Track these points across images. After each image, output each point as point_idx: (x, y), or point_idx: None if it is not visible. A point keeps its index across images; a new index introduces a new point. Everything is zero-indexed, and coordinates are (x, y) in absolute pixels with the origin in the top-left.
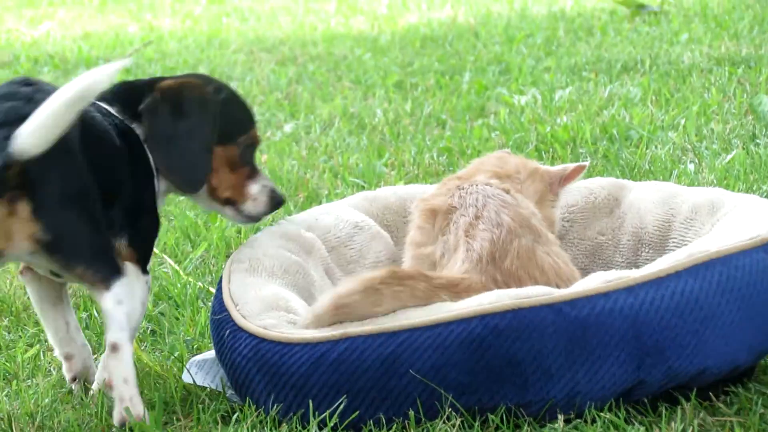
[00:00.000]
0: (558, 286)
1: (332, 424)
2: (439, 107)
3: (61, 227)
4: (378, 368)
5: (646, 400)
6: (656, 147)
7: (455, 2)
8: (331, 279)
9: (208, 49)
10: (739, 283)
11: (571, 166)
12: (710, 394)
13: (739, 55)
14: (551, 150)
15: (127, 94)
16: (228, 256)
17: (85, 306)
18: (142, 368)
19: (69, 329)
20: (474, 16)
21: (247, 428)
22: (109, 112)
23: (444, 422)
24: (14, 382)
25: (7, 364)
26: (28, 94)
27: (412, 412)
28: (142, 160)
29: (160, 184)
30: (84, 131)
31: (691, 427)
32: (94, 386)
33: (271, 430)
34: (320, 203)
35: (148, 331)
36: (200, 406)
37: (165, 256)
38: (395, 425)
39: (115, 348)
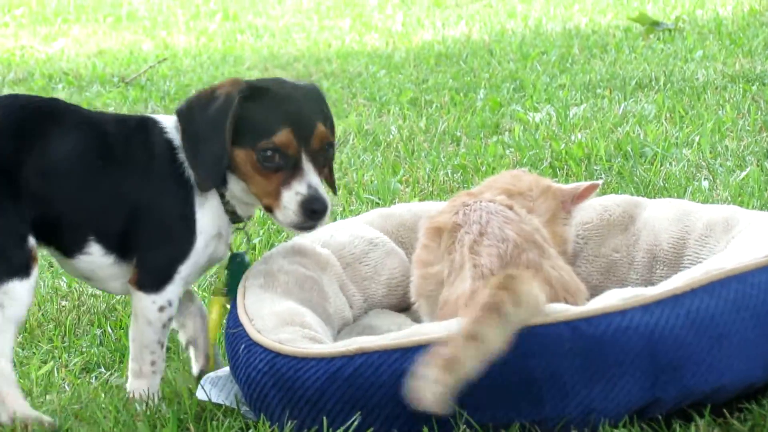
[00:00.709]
0: (566, 300)
1: None
2: (454, 124)
3: None
4: (393, 384)
5: (660, 417)
6: (670, 164)
7: (470, 19)
8: (346, 295)
9: (223, 66)
10: (755, 301)
11: (583, 184)
12: (724, 410)
13: (754, 73)
14: (566, 167)
15: None
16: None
17: (99, 323)
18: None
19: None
20: (488, 34)
21: None
22: (156, 125)
23: None
24: (28, 399)
25: (21, 380)
26: None
27: (426, 429)
28: (161, 176)
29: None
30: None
31: None
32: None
33: None
34: (335, 220)
35: None
36: (214, 423)
37: None
38: None
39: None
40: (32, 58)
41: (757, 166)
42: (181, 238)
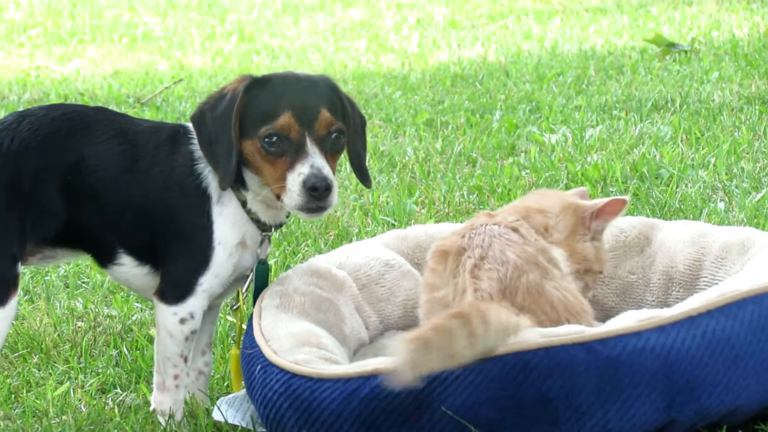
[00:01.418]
0: (568, 321)
1: None
2: (470, 145)
3: None
4: (410, 405)
5: None
6: (686, 185)
7: (486, 40)
8: (362, 316)
9: None
10: None
11: (605, 200)
12: None
13: None
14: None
15: None
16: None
17: (115, 343)
18: None
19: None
20: (504, 55)
21: None
22: (180, 136)
23: None
24: (44, 419)
25: (37, 401)
26: None
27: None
28: (179, 187)
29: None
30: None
31: None
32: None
33: None
34: (350, 241)
35: None
36: None
37: None
38: None
39: None
40: (47, 79)
41: None
42: (199, 249)
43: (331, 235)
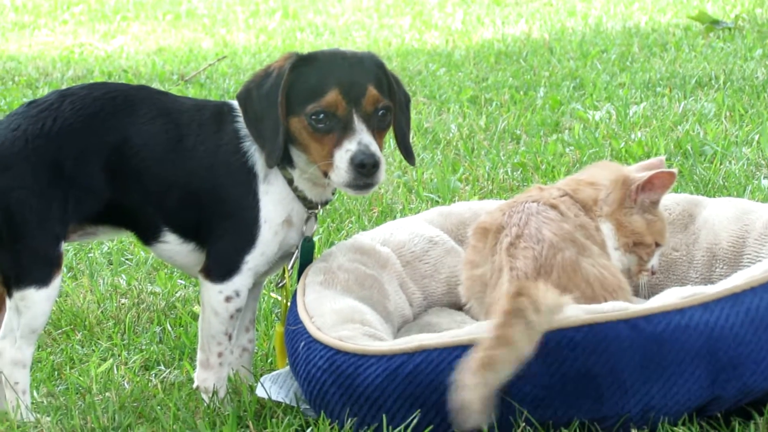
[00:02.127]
0: (604, 298)
1: None
2: (514, 122)
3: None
4: (453, 381)
5: (719, 415)
6: (730, 162)
7: (530, 18)
8: (406, 293)
9: None
10: None
11: (651, 172)
12: None
13: None
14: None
15: None
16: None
17: (159, 320)
18: None
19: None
20: (548, 32)
21: None
22: (231, 113)
23: None
24: (87, 396)
25: (81, 378)
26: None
27: (485, 429)
28: (225, 165)
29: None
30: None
31: None
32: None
33: None
34: (395, 218)
35: None
36: (273, 420)
37: None
38: None
39: None
40: (91, 56)
41: None
42: (245, 227)
43: (375, 212)
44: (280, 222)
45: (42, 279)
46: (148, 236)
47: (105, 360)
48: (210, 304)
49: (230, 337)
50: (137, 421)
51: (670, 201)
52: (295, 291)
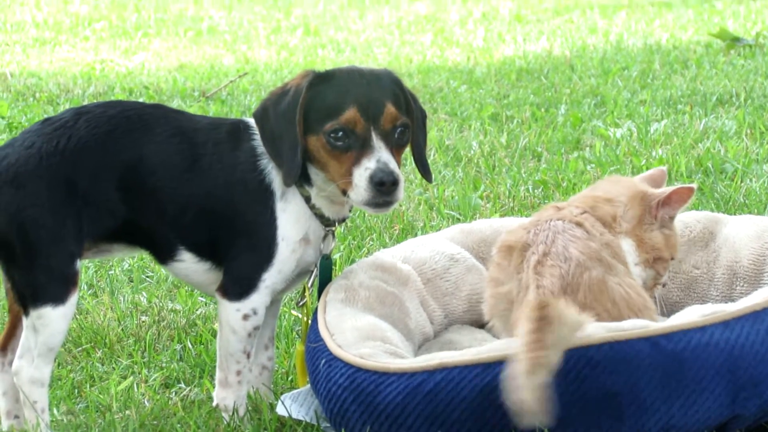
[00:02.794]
0: (629, 318)
1: None
2: (535, 140)
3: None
4: (474, 399)
5: None
6: (751, 180)
7: (551, 35)
8: (426, 311)
9: None
10: None
11: (671, 188)
12: None
13: None
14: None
15: None
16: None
17: (179, 338)
18: None
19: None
20: (570, 49)
21: None
22: (248, 131)
23: None
24: (107, 414)
25: (101, 396)
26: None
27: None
28: (243, 184)
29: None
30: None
31: None
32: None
33: None
34: (415, 235)
35: None
36: None
37: None
38: None
39: None
40: (112, 72)
41: None
42: (263, 245)
43: (396, 230)
44: (298, 240)
45: (58, 297)
46: (164, 255)
47: (125, 378)
48: (228, 322)
49: (249, 355)
50: None
51: (691, 219)
52: (316, 309)
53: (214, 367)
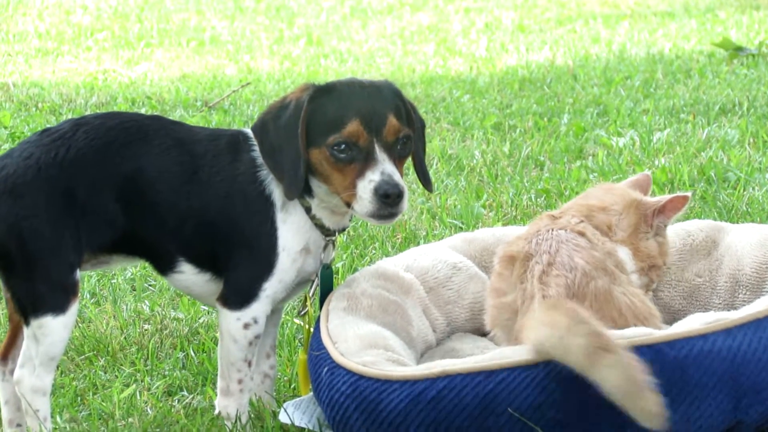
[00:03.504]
0: (636, 326)
1: None
2: (538, 149)
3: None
4: (476, 406)
5: None
6: (753, 189)
7: (554, 44)
8: (429, 319)
9: None
10: None
11: (667, 197)
12: None
13: None
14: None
15: None
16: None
17: (182, 346)
18: None
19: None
20: (572, 59)
21: None
22: (247, 142)
23: None
24: (110, 422)
25: (104, 404)
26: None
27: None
28: (243, 194)
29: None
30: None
31: None
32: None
33: None
34: (418, 244)
35: None
36: None
37: None
38: None
39: None
40: (115, 82)
41: None
42: (263, 255)
43: (398, 238)
44: (298, 250)
45: (58, 306)
46: (164, 266)
47: (128, 386)
48: (228, 331)
49: (250, 364)
50: None
51: (694, 227)
52: (319, 317)
53: (217, 375)
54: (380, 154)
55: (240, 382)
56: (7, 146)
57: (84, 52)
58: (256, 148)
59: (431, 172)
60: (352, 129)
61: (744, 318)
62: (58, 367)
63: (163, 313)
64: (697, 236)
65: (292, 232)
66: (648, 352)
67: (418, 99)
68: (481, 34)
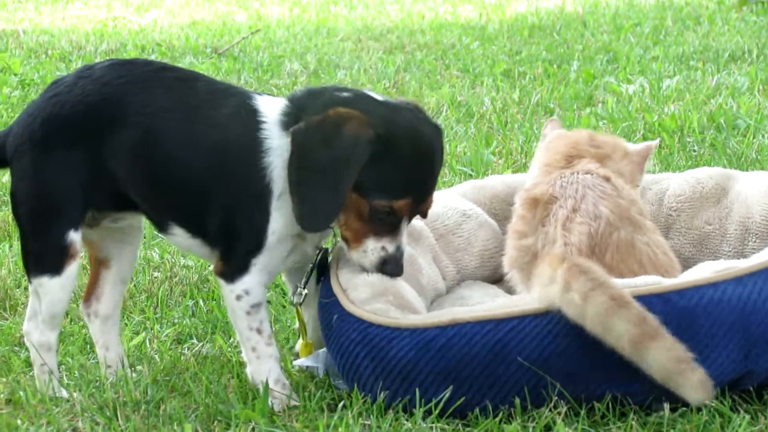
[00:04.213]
0: None
1: (438, 412)
2: (547, 96)
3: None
4: (486, 354)
5: (752, 389)
6: (763, 136)
7: None
8: (439, 267)
9: (316, 38)
10: None
11: (652, 143)
12: None
13: None
14: (659, 139)
15: (304, 103)
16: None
17: (192, 294)
18: None
19: None
20: (582, 5)
21: (353, 416)
22: (254, 117)
23: (550, 410)
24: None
25: None
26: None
27: (517, 400)
28: (241, 176)
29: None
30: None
31: None
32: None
33: (377, 417)
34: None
35: None
36: (306, 393)
37: None
38: (501, 413)
39: None
40: (125, 29)
41: None
42: (253, 234)
43: None
44: (288, 234)
45: (54, 268)
46: (160, 226)
47: (137, 333)
48: (227, 303)
49: (259, 331)
50: (169, 395)
51: (703, 175)
52: (329, 265)
53: (227, 322)
54: (404, 224)
55: (254, 350)
56: (17, 93)
57: None
58: (266, 126)
59: (441, 119)
60: (402, 204)
61: (754, 266)
62: (67, 315)
63: (173, 260)
64: (707, 184)
65: (284, 220)
66: (657, 301)
67: (427, 46)
68: None
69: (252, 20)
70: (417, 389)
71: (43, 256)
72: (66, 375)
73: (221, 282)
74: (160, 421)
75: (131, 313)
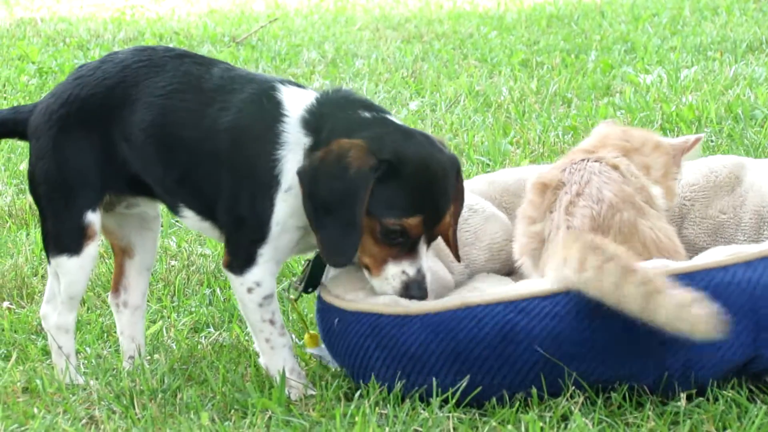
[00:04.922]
0: None
1: (455, 401)
2: (565, 86)
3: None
4: (495, 335)
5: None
6: None
7: None
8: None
9: (334, 26)
10: None
11: (691, 137)
12: None
13: None
14: (676, 129)
15: (328, 111)
16: None
17: (209, 283)
18: None
19: None
20: None
21: (370, 405)
22: (277, 109)
23: (567, 400)
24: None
25: None
26: None
27: (534, 390)
28: (253, 160)
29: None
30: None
31: None
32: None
33: (394, 406)
34: None
35: None
36: (323, 383)
37: None
38: (518, 402)
39: None
40: (143, 18)
41: None
42: (257, 224)
43: None
44: (294, 226)
45: (72, 248)
46: (172, 209)
47: (154, 322)
48: (237, 295)
49: (272, 323)
50: (186, 384)
51: (717, 164)
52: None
53: None
54: (422, 248)
55: (267, 341)
56: (35, 81)
57: None
58: (287, 120)
59: (459, 108)
60: (412, 223)
61: (764, 251)
62: (83, 303)
63: (190, 249)
64: (721, 172)
65: (289, 212)
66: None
67: (445, 35)
68: None
69: (270, 9)
70: (429, 375)
71: (61, 235)
72: (83, 363)
73: (230, 275)
74: (177, 410)
75: (148, 301)
